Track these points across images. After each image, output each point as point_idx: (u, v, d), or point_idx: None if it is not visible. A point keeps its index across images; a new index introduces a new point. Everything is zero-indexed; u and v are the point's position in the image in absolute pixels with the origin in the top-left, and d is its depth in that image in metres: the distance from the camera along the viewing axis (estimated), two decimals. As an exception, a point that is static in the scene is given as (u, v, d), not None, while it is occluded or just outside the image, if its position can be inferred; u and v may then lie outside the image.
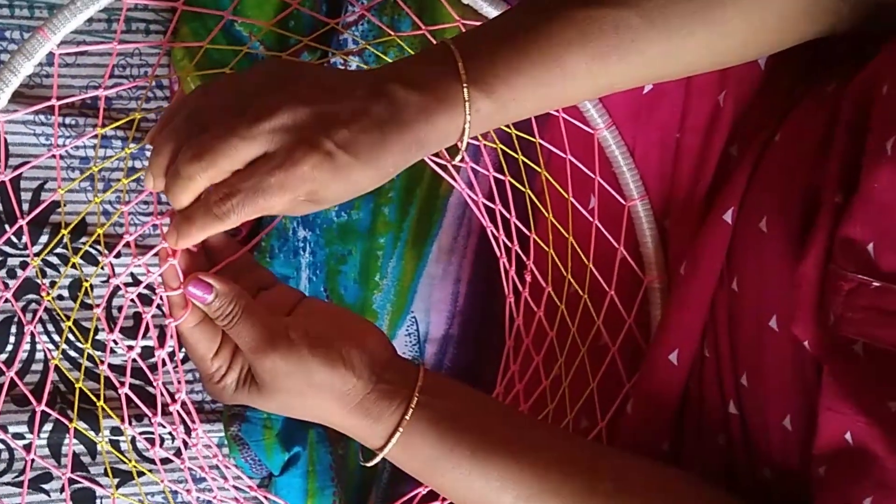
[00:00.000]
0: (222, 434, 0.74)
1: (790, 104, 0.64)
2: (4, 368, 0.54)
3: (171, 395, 0.61)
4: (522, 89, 0.51)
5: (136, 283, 0.73)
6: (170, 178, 0.49)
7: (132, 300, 0.67)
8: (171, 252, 0.51)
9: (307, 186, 0.48)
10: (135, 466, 0.61)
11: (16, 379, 0.56)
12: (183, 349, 0.72)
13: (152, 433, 0.70)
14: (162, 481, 0.60)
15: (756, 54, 0.58)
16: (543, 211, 0.68)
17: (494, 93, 0.50)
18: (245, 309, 0.52)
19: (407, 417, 0.53)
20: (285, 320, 0.53)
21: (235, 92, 0.50)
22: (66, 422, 0.59)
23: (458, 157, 0.54)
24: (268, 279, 0.58)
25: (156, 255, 0.53)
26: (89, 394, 0.60)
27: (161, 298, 0.52)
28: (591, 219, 0.67)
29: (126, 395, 0.57)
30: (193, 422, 0.62)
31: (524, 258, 0.69)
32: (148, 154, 0.74)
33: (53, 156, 0.58)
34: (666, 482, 0.57)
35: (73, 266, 0.74)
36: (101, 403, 0.59)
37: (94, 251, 0.74)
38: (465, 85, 0.49)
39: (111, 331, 0.56)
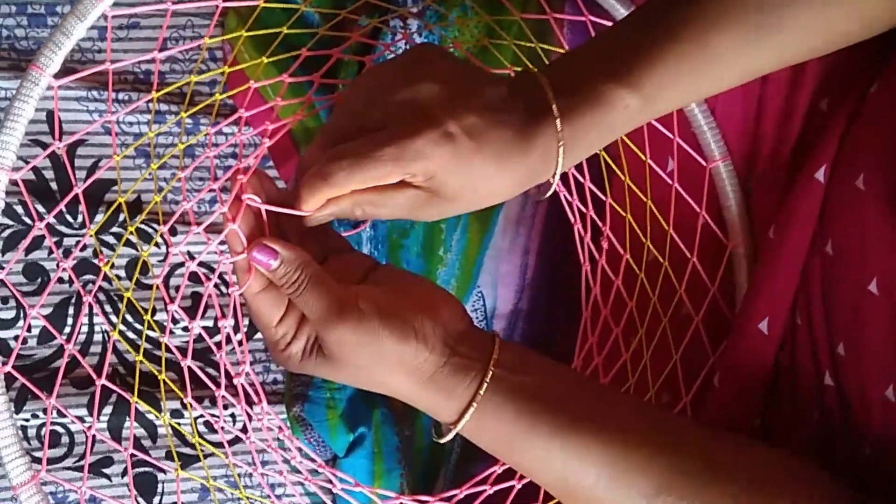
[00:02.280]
0: (285, 416, 0.72)
1: (886, 53, 0.60)
2: (64, 342, 0.52)
3: (234, 372, 0.59)
4: (670, 81, 0.49)
5: (193, 258, 0.72)
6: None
7: (190, 279, 0.65)
8: (230, 217, 0.48)
9: (421, 164, 0.46)
10: (198, 441, 0.59)
11: (76, 354, 0.54)
12: (246, 322, 0.70)
13: (215, 414, 0.68)
14: (228, 459, 0.57)
15: None
16: (619, 174, 0.65)
17: (643, 88, 0.48)
18: (312, 277, 0.49)
19: (481, 392, 0.50)
20: (356, 289, 0.50)
21: (387, 72, 0.50)
22: (128, 396, 0.56)
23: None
24: (340, 245, 0.55)
25: (218, 231, 0.51)
26: (151, 367, 0.58)
27: (225, 267, 0.50)
28: (670, 182, 0.64)
29: (189, 367, 0.55)
30: (258, 395, 0.60)
31: (600, 224, 0.65)
32: (202, 128, 0.72)
33: (108, 125, 0.56)
34: (757, 461, 0.53)
35: (129, 244, 0.72)
36: (162, 376, 0.57)
37: (150, 230, 0.72)
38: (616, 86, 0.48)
39: (171, 302, 0.54)
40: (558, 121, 0.48)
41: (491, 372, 0.50)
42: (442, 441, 0.52)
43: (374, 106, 0.48)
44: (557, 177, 0.49)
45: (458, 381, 0.50)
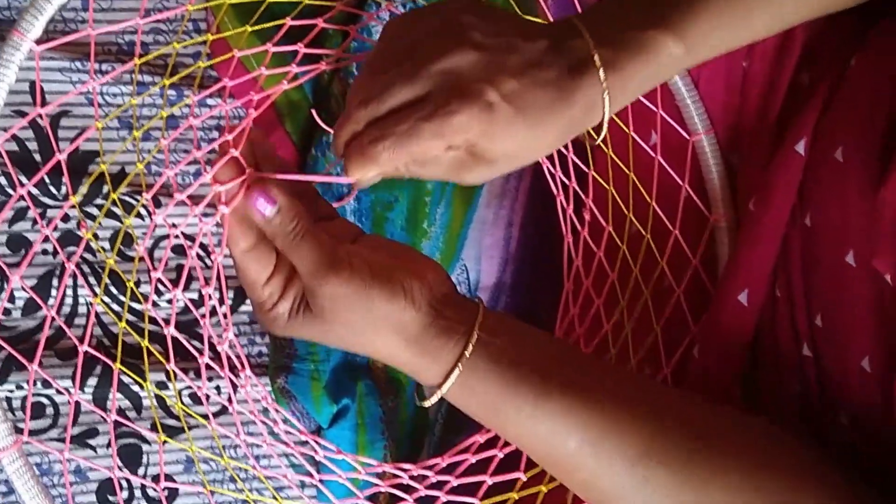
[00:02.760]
0: (269, 388, 0.72)
1: (866, 27, 0.60)
2: (47, 309, 0.52)
3: (217, 339, 0.59)
4: (712, 29, 0.49)
5: (176, 227, 0.72)
6: (340, 120, 0.49)
7: (174, 252, 0.65)
8: (231, 145, 0.48)
9: (463, 136, 0.46)
10: (184, 411, 0.59)
11: (60, 322, 0.54)
12: (231, 295, 0.70)
13: (199, 386, 0.68)
14: (211, 426, 0.58)
15: None
16: (602, 146, 0.65)
17: (686, 37, 0.48)
18: (307, 229, 0.49)
19: (466, 354, 0.50)
20: (347, 247, 0.51)
21: (418, 30, 0.49)
22: (111, 364, 0.56)
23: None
24: (328, 211, 0.56)
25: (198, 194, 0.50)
26: (135, 336, 0.58)
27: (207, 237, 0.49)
28: (653, 154, 0.64)
29: (172, 336, 0.55)
30: (243, 365, 0.60)
31: (583, 196, 0.66)
32: (185, 100, 0.72)
33: (90, 95, 0.56)
34: (740, 429, 0.53)
35: (114, 216, 0.72)
36: (144, 343, 0.57)
37: (134, 201, 0.72)
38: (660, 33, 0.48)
39: (154, 269, 0.54)
40: (601, 70, 0.48)
41: (476, 335, 0.50)
42: (426, 405, 0.52)
43: (410, 73, 0.47)
44: (605, 125, 0.49)
45: (443, 343, 0.50)
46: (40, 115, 0.53)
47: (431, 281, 0.51)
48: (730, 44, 0.51)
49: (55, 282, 0.72)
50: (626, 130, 0.64)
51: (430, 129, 0.46)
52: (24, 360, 0.54)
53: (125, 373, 0.58)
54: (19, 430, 0.52)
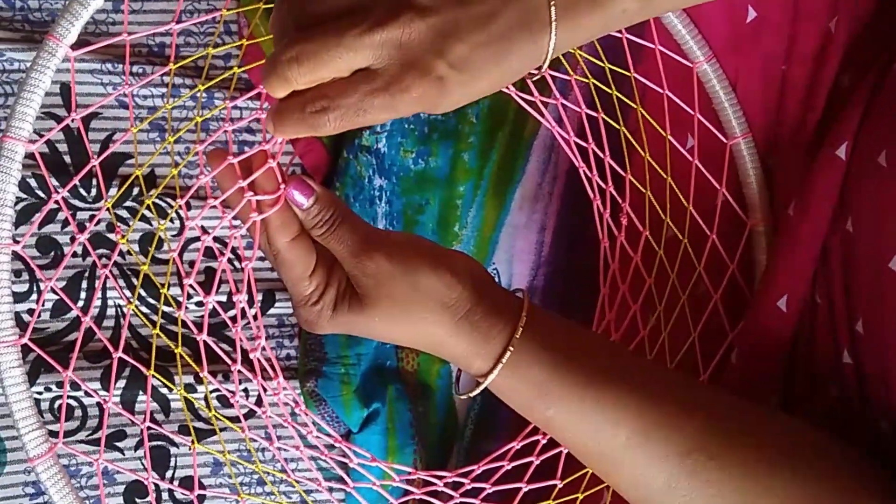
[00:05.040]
0: (299, 391, 0.72)
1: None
2: (80, 314, 0.52)
3: (249, 347, 0.58)
4: None
5: (208, 233, 0.71)
6: (267, 69, 0.45)
7: (204, 254, 0.65)
8: (270, 155, 0.48)
9: (412, 109, 0.45)
10: (215, 415, 0.58)
11: (94, 326, 0.53)
12: (260, 297, 0.70)
13: (230, 389, 0.68)
14: (243, 430, 0.57)
15: None
16: (639, 150, 0.64)
17: None
18: (346, 214, 0.49)
19: (517, 336, 0.49)
20: (384, 232, 0.51)
21: None
22: (143, 370, 0.56)
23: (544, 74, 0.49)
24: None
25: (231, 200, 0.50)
26: (167, 341, 0.58)
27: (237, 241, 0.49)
28: (690, 158, 0.63)
29: (204, 342, 0.54)
30: (275, 372, 0.60)
31: (619, 200, 0.65)
32: (216, 102, 0.72)
33: (124, 101, 0.55)
34: (787, 429, 0.52)
35: (145, 220, 0.72)
36: (179, 350, 0.56)
37: (164, 204, 0.72)
38: None
39: (186, 276, 0.54)
40: (553, 23, 0.45)
41: (524, 318, 0.49)
42: (470, 395, 0.51)
43: (353, 43, 0.44)
44: (546, 65, 0.47)
45: (493, 324, 0.49)
46: (73, 119, 0.53)
47: (473, 265, 0.51)
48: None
49: (84, 283, 0.72)
50: (664, 134, 0.63)
51: (379, 104, 0.44)
52: (58, 367, 0.54)
53: (157, 378, 0.57)
54: (49, 433, 0.52)
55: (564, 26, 0.46)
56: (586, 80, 0.64)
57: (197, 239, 0.73)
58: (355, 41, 0.43)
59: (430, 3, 0.44)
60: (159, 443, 0.73)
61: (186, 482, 0.73)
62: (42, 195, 0.72)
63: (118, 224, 0.70)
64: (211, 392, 0.71)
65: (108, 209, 0.53)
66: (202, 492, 0.65)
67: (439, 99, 0.45)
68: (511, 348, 0.49)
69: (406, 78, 0.44)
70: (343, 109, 0.45)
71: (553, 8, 0.45)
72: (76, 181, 0.52)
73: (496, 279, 0.73)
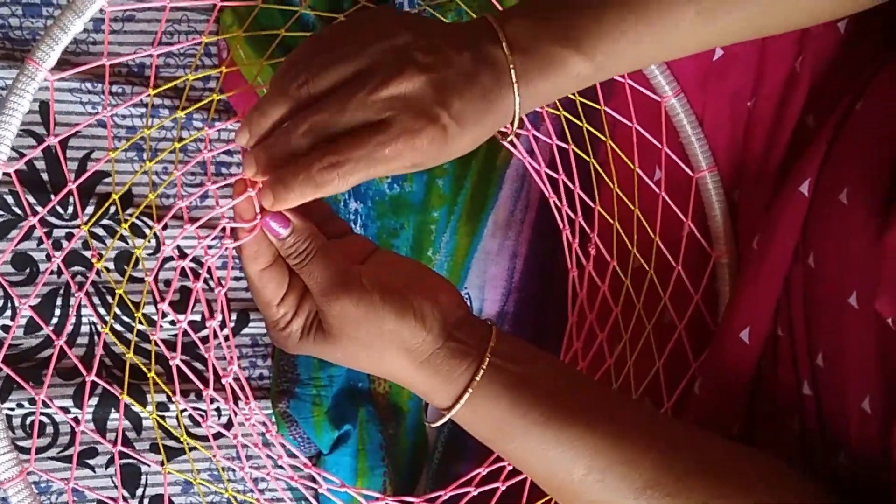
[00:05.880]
0: (270, 411, 0.72)
1: (872, 71, 0.61)
2: (54, 336, 0.53)
3: (221, 369, 0.59)
4: (623, 51, 0.50)
5: (185, 255, 0.72)
6: (273, 151, 0.47)
7: (182, 273, 0.65)
8: (250, 184, 0.49)
9: (418, 158, 0.47)
10: (185, 440, 0.59)
11: (65, 347, 0.54)
12: (234, 318, 0.70)
13: (201, 409, 0.69)
14: (214, 456, 0.58)
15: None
16: (608, 181, 0.65)
17: (596, 57, 0.49)
18: (320, 248, 0.50)
19: (477, 378, 0.50)
20: (359, 267, 0.51)
21: (346, 55, 0.48)
22: (116, 393, 0.57)
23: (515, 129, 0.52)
24: (343, 228, 0.56)
25: (210, 227, 0.51)
26: (140, 364, 0.58)
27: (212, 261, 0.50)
28: (657, 190, 0.65)
29: (177, 366, 0.55)
30: (247, 396, 0.60)
31: (588, 230, 0.66)
32: (194, 123, 0.73)
33: (103, 119, 0.56)
34: (745, 462, 0.53)
35: (121, 239, 0.73)
36: (151, 374, 0.57)
37: (141, 223, 0.73)
38: (565, 47, 0.49)
39: (162, 300, 0.54)
40: (515, 84, 0.48)
41: (488, 359, 0.50)
42: (435, 426, 0.52)
43: (363, 101, 0.46)
44: (515, 126, 0.50)
45: (455, 366, 0.50)
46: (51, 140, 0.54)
47: (444, 302, 0.51)
48: (646, 63, 0.52)
49: (59, 301, 0.72)
50: (632, 166, 0.65)
51: (390, 153, 0.46)
52: (26, 386, 0.54)
53: (129, 400, 0.58)
54: (20, 449, 0.52)
55: (523, 90, 0.49)
56: (557, 113, 0.65)
57: (172, 258, 0.74)
58: (365, 100, 0.46)
59: (429, 61, 0.47)
60: (131, 461, 0.73)
61: (157, 500, 0.73)
62: (18, 212, 0.72)
63: (94, 246, 0.71)
64: (183, 411, 0.72)
65: (85, 230, 0.54)
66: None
67: (444, 146, 0.47)
68: (469, 390, 0.50)
69: (417, 125, 0.46)
70: (353, 162, 0.46)
71: (513, 71, 0.48)
72: (55, 203, 0.53)
73: (468, 303, 0.74)
